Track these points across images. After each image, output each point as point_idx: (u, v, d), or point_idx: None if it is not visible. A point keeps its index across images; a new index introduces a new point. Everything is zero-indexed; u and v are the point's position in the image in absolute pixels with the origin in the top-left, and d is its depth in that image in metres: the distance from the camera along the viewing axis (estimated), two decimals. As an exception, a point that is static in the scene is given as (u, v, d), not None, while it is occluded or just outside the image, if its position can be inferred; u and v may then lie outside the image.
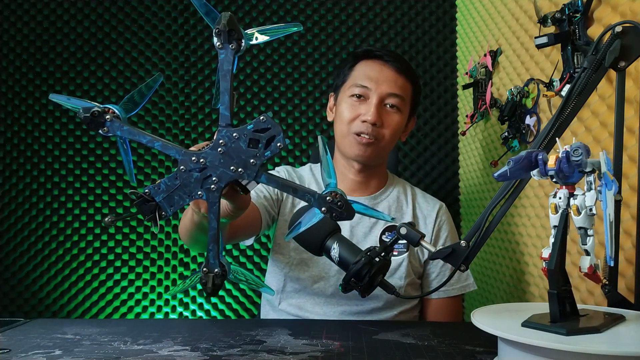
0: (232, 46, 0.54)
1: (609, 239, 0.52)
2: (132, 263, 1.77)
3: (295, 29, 0.60)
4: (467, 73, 1.55)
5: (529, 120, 1.11)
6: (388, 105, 1.12)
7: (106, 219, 0.55)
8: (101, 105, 0.55)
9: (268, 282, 1.18)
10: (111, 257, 1.77)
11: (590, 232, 0.56)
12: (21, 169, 1.77)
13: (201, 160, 0.54)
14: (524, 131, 1.14)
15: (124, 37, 1.80)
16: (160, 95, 1.78)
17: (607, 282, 0.68)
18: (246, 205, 0.70)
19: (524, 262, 1.17)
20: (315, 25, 1.83)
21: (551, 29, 0.98)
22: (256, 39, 0.56)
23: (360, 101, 1.12)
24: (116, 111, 0.55)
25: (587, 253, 0.56)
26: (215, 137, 0.54)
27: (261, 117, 0.54)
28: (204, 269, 0.55)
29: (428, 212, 1.20)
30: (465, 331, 0.80)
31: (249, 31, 0.56)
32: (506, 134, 1.21)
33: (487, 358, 0.65)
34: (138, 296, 1.77)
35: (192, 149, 0.57)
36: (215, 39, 0.54)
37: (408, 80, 1.15)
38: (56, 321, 0.89)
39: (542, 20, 1.00)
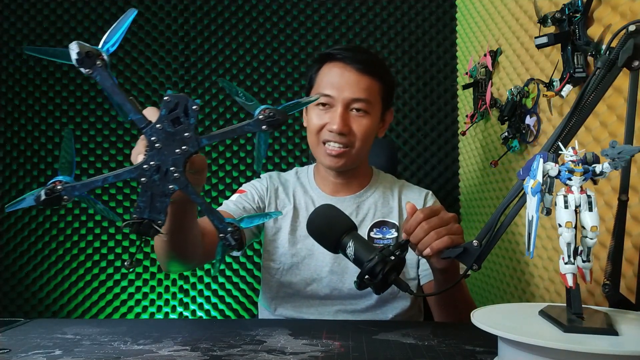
0: (98, 64, 0.56)
1: (527, 235, 0.56)
2: (132, 263, 1.77)
3: (132, 16, 0.61)
4: (467, 73, 1.55)
5: (529, 120, 1.11)
6: (354, 110, 1.08)
7: (126, 264, 0.62)
8: (47, 185, 0.58)
9: (263, 290, 1.17)
10: (111, 257, 1.77)
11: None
12: (21, 169, 1.77)
13: (151, 163, 0.57)
14: (524, 131, 1.14)
15: (123, 37, 1.80)
16: (161, 96, 1.79)
17: (608, 282, 0.68)
18: (203, 165, 0.72)
19: (524, 262, 1.17)
20: (315, 25, 1.83)
21: (551, 29, 0.98)
22: (108, 44, 0.59)
23: (325, 109, 1.08)
24: (62, 179, 0.59)
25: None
26: (146, 141, 0.57)
27: (165, 98, 0.57)
28: (220, 235, 0.59)
29: (415, 200, 1.17)
30: (465, 331, 0.80)
31: (100, 45, 0.59)
32: (506, 134, 1.21)
33: (487, 358, 0.65)
34: (138, 296, 1.77)
35: (135, 162, 0.60)
36: (82, 70, 0.56)
37: (374, 78, 1.09)
38: (56, 321, 0.89)
39: (542, 20, 0.99)
